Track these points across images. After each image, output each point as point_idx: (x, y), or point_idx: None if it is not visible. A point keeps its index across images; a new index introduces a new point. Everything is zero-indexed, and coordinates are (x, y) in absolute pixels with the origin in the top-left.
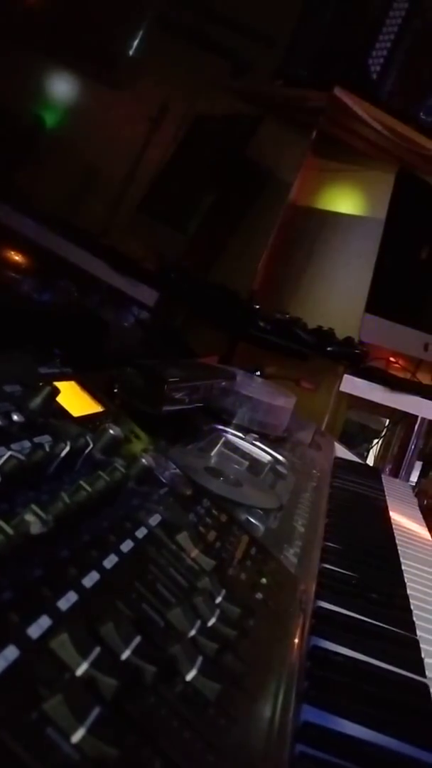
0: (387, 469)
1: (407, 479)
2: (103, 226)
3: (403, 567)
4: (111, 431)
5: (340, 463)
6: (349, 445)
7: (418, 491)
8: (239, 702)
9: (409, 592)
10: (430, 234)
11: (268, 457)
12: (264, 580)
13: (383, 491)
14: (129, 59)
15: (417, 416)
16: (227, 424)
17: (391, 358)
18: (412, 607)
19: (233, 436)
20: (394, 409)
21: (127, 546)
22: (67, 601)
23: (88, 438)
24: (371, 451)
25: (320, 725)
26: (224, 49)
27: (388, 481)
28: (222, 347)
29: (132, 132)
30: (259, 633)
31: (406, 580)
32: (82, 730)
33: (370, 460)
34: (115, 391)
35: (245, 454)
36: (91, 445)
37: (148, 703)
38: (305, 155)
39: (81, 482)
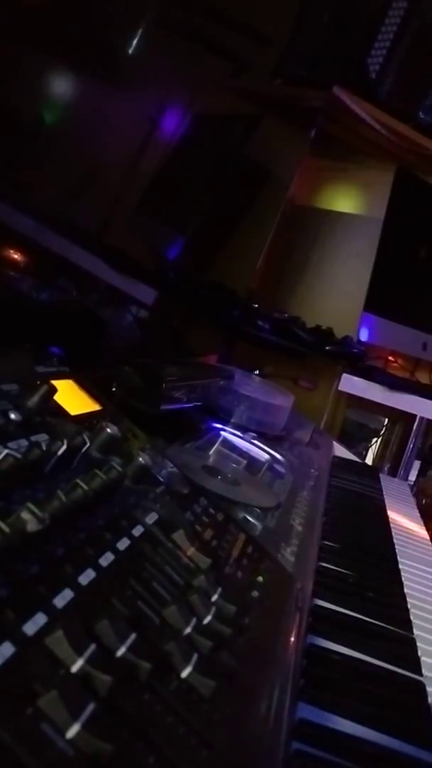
0: (385, 468)
1: (405, 478)
2: (103, 225)
3: (400, 566)
4: (108, 430)
5: (339, 462)
6: (348, 444)
7: (417, 490)
8: (235, 699)
9: (406, 590)
10: (429, 233)
11: (266, 456)
12: (261, 579)
13: (381, 490)
14: (129, 58)
15: (415, 415)
16: (225, 422)
17: (390, 357)
18: (408, 605)
19: (231, 434)
20: (393, 408)
21: (123, 544)
22: (62, 599)
23: (85, 436)
24: (370, 450)
25: (316, 723)
26: (224, 48)
27: (386, 480)
28: (220, 346)
29: (132, 131)
30: (256, 631)
31: (403, 579)
32: (77, 726)
33: (369, 459)
34: (113, 389)
35: (243, 453)
36: (88, 444)
37: (143, 699)
38: (304, 154)
39: (77, 480)
